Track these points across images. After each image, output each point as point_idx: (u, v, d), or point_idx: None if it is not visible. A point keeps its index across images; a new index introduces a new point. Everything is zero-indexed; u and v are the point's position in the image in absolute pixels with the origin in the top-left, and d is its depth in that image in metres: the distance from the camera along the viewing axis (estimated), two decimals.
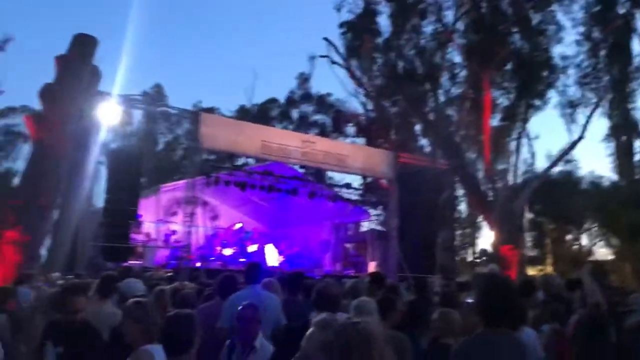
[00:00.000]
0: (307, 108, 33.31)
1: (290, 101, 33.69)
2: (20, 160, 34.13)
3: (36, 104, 15.62)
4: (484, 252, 11.90)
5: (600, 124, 29.04)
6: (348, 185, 18.15)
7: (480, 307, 2.86)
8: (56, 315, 3.95)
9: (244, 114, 33.25)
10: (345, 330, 1.27)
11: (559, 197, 27.41)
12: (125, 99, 13.78)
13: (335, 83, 68.77)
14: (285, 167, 16.55)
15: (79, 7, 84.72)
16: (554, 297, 5.97)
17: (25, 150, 33.18)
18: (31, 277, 7.97)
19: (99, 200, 13.52)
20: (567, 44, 24.46)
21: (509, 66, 23.12)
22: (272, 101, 35.05)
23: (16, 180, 25.44)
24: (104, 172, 13.84)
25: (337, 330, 1.28)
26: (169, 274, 11.37)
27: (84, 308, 3.84)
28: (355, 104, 31.19)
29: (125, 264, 12.84)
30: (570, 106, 24.61)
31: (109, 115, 13.15)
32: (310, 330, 1.21)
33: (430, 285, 8.84)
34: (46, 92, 13.31)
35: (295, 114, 33.69)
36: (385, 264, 16.97)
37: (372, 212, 19.83)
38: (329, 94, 32.58)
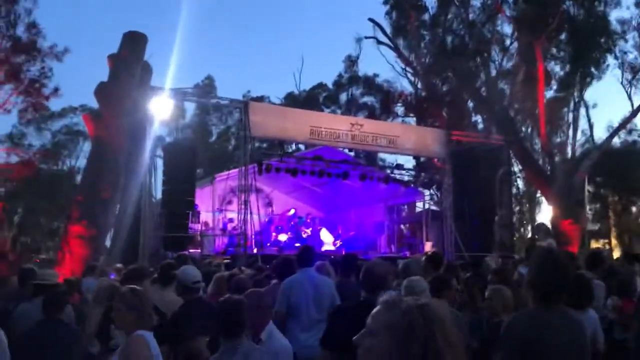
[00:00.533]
0: (356, 91, 33.13)
1: (338, 85, 33.58)
2: (82, 157, 35.62)
3: (93, 103, 16.24)
4: (539, 227, 11.55)
5: None
6: (400, 166, 17.98)
7: (532, 281, 2.76)
8: None
9: (292, 100, 33.42)
10: (410, 312, 1.29)
11: (622, 168, 26.28)
12: (177, 93, 14.09)
13: (383, 64, 68.05)
14: (335, 151, 16.57)
15: (128, 4, 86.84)
16: (607, 271, 5.78)
17: (86, 148, 34.63)
18: (96, 269, 8.33)
19: (158, 192, 13.96)
20: (625, 6, 23.28)
21: (562, 35, 22.21)
22: (320, 86, 35.04)
23: (79, 178, 26.53)
24: (160, 165, 14.26)
25: (402, 311, 1.29)
26: (226, 261, 11.66)
27: (147, 292, 3.94)
28: (404, 84, 30.84)
29: (185, 252, 13.23)
30: (630, 71, 23.53)
31: (162, 109, 13.47)
32: (376, 309, 1.25)
33: (488, 263, 8.72)
34: (101, 91, 13.81)
35: (343, 97, 33.58)
36: (441, 244, 16.80)
37: (426, 192, 19.62)
38: (376, 75, 32.27)
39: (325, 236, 18.68)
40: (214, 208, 17.18)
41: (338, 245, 18.52)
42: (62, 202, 31.99)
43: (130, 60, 14.19)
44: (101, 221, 13.32)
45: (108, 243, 15.24)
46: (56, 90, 23.24)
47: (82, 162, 34.51)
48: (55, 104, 26.27)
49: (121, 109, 13.54)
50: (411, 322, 1.26)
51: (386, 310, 1.30)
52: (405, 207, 22.04)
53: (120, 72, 13.93)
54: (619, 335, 4.80)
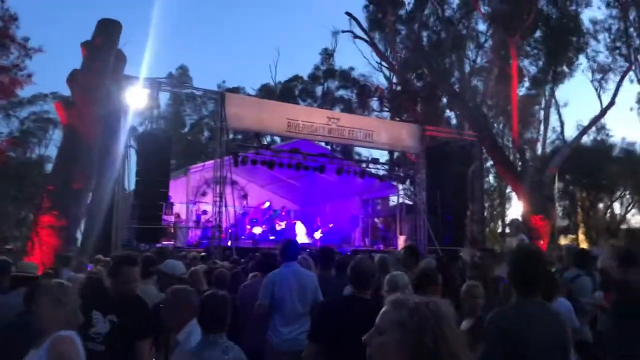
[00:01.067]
0: (331, 84, 33.14)
1: (314, 78, 33.53)
2: (52, 146, 34.86)
3: (65, 90, 15.91)
4: (512, 222, 11.76)
5: (632, 89, 28.25)
6: (375, 161, 18.07)
7: (513, 278, 2.89)
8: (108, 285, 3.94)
9: (267, 92, 33.27)
10: (419, 310, 1.31)
11: (590, 165, 26.91)
12: (151, 82, 13.88)
13: (360, 58, 68.17)
14: (312, 145, 16.56)
15: None
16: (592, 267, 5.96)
17: (57, 136, 33.89)
18: (71, 260, 8.19)
19: (131, 183, 13.76)
20: (596, 6, 23.81)
21: (536, 33, 22.57)
22: (296, 78, 34.94)
23: (49, 167, 25.97)
24: (134, 156, 14.06)
25: (410, 309, 1.32)
26: (201, 254, 11.56)
27: (137, 279, 3.88)
28: (380, 78, 30.95)
29: (159, 245, 13.09)
30: (600, 72, 24.04)
31: (136, 99, 13.27)
32: (384, 308, 1.29)
33: (463, 258, 8.82)
34: (74, 78, 13.54)
35: (319, 90, 33.55)
36: (414, 237, 16.98)
37: (400, 186, 19.76)
38: (352, 68, 32.31)
39: (300, 229, 18.70)
40: (188, 200, 17.01)
41: (311, 237, 18.56)
42: (31, 191, 31.32)
43: (104, 48, 13.94)
44: (72, 212, 13.09)
45: (79, 234, 14.98)
46: (29, 76, 22.69)
47: (52, 151, 33.85)
48: (24, 91, 25.53)
49: (94, 97, 13.31)
50: (420, 319, 1.28)
51: (395, 309, 1.33)
52: (380, 201, 22.17)
53: (93, 60, 13.68)
54: (602, 328, 4.99)
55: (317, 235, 18.70)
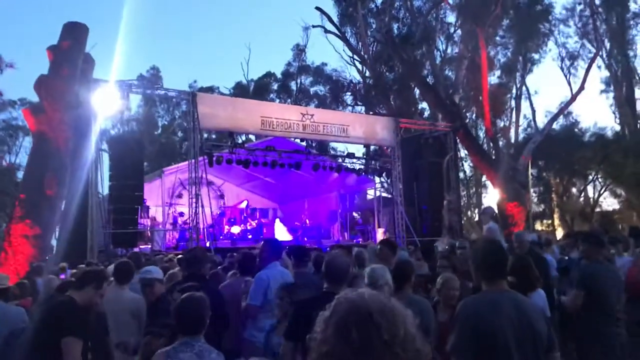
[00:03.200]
0: (305, 80, 33.08)
1: (287, 74, 33.44)
2: (23, 153, 34.19)
3: (33, 96, 15.60)
4: (484, 211, 11.95)
5: (600, 75, 28.78)
6: (351, 155, 18.12)
7: (478, 268, 2.98)
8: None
9: (241, 90, 33.08)
10: (341, 303, 1.26)
11: (562, 151, 27.31)
12: (121, 84, 13.71)
13: (332, 53, 68.19)
14: (287, 142, 16.54)
15: None
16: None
17: (26, 143, 33.25)
18: (42, 269, 8.05)
19: (105, 187, 13.59)
20: None
21: (504, 21, 22.83)
22: (269, 75, 34.80)
23: (21, 174, 25.48)
24: (106, 160, 13.87)
25: (336, 302, 1.27)
26: (179, 256, 11.47)
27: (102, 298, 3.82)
28: (353, 73, 31.03)
29: (136, 249, 12.96)
30: (569, 58, 24.42)
31: (106, 102, 13.11)
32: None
33: (437, 248, 8.90)
34: (41, 84, 13.24)
35: (293, 86, 33.46)
36: (393, 229, 17.10)
37: (377, 179, 19.85)
38: (324, 64, 32.30)
39: (279, 227, 18.67)
40: (164, 202, 16.87)
41: (292, 235, 18.55)
42: (2, 200, 30.70)
43: (71, 52, 13.65)
44: (46, 219, 12.81)
45: (54, 241, 14.73)
46: None
47: (22, 159, 33.20)
48: None
49: (63, 102, 13.04)
50: (344, 312, 1.24)
51: (331, 305, 1.29)
52: (357, 195, 22.24)
53: (61, 65, 13.39)
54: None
55: (290, 233, 18.67)
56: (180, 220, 16.96)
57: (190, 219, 14.22)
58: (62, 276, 7.49)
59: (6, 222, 16.23)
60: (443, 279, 4.37)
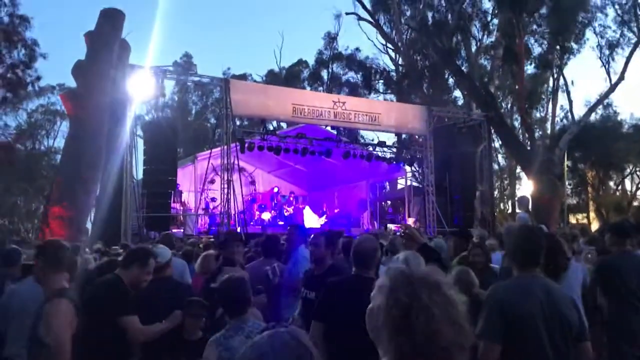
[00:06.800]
0: (337, 68, 32.90)
1: (319, 62, 33.30)
2: (60, 137, 35.02)
3: (71, 82, 15.94)
4: (521, 200, 11.71)
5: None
6: (382, 144, 18.02)
7: (512, 254, 3.00)
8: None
9: (273, 77, 33.10)
10: (395, 275, 1.35)
11: (600, 142, 26.62)
12: (156, 71, 13.89)
13: (364, 40, 67.69)
14: (318, 129, 16.53)
15: None
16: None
17: (64, 127, 34.04)
18: (79, 250, 8.21)
19: (139, 172, 13.83)
20: None
21: (542, 10, 22.22)
22: (301, 63, 34.73)
23: (58, 158, 26.14)
24: (141, 145, 14.10)
25: (388, 275, 1.36)
26: (211, 240, 11.61)
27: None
28: (385, 60, 30.74)
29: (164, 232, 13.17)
30: (608, 47, 23.71)
31: (141, 88, 13.30)
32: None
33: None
34: (78, 69, 13.50)
35: (325, 74, 33.34)
36: (423, 219, 16.98)
37: (408, 169, 19.70)
38: (357, 49, 31.98)
39: (309, 214, 18.73)
40: (196, 187, 17.09)
41: (320, 222, 18.60)
42: (40, 183, 31.54)
43: (107, 38, 13.87)
44: (82, 202, 13.12)
45: (89, 224, 15.07)
46: (38, 79, 23.76)
47: (60, 142, 34.00)
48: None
49: (99, 87, 13.27)
50: (395, 282, 1.32)
51: (381, 276, 1.38)
52: (387, 184, 22.14)
53: (97, 51, 13.62)
54: None
55: (320, 220, 18.70)
56: (212, 205, 17.16)
57: (222, 204, 14.38)
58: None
59: (44, 204, 16.65)
60: (457, 272, 4.29)
